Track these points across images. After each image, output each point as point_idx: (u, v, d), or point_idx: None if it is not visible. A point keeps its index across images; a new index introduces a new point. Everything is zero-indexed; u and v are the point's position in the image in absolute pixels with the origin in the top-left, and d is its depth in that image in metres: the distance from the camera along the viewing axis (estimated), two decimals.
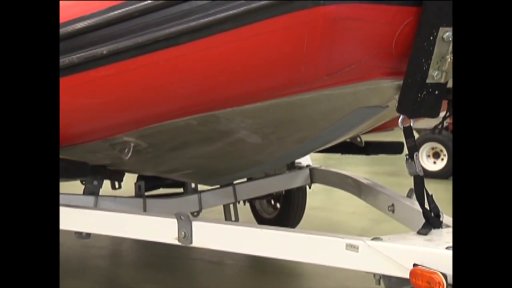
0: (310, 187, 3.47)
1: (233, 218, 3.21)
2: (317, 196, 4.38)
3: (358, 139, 2.67)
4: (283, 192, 3.56)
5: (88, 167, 2.29)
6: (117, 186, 3.06)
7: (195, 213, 3.06)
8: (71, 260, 3.38)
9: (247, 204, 3.76)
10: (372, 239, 1.71)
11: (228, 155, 2.31)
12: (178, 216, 2.00)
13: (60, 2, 1.87)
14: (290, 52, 1.63)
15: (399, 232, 1.80)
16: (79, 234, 2.37)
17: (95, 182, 2.79)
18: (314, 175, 3.27)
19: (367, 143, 2.77)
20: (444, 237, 1.76)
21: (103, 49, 1.78)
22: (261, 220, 3.89)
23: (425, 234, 1.78)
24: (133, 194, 2.99)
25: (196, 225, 1.99)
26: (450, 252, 1.56)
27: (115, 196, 2.85)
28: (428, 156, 6.01)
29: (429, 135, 5.86)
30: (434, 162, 5.96)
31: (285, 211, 3.75)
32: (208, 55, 1.68)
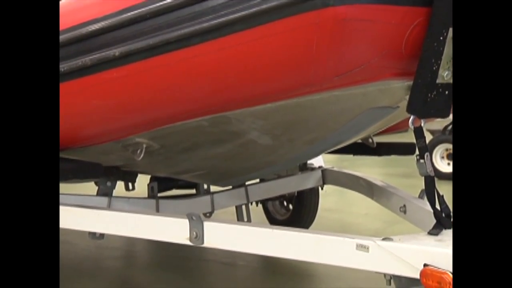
0: (322, 188, 3.47)
1: (245, 219, 3.21)
2: (329, 198, 4.37)
3: (370, 140, 2.67)
4: (296, 194, 3.56)
5: (101, 168, 2.31)
6: (130, 187, 3.08)
7: (208, 214, 3.07)
8: (84, 261, 3.41)
9: (260, 205, 3.76)
10: (383, 239, 1.71)
11: (239, 156, 2.32)
12: (190, 217, 2.01)
13: (73, 4, 1.90)
14: (299, 53, 1.63)
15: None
16: (92, 234, 2.39)
17: (109, 183, 2.81)
18: (326, 176, 3.27)
19: (378, 144, 2.76)
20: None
21: (115, 51, 1.80)
22: (274, 221, 3.89)
23: (436, 234, 1.77)
24: (146, 195, 3.00)
25: (208, 225, 2.00)
26: None
27: (129, 197, 2.87)
28: (442, 157, 5.97)
29: (442, 137, 5.82)
30: (448, 164, 5.92)
31: (297, 212, 3.75)
32: (219, 56, 1.69)
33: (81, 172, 2.30)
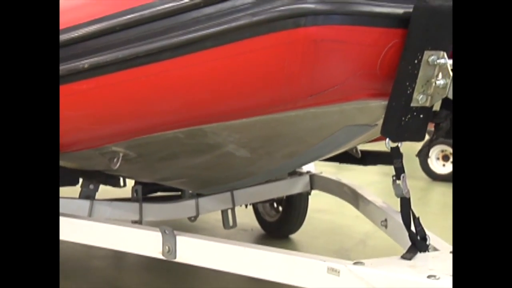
0: (310, 194, 3.42)
1: (230, 224, 3.16)
2: (321, 198, 4.31)
3: (354, 150, 2.61)
4: (285, 196, 3.50)
5: (78, 175, 2.26)
6: (122, 184, 3.02)
7: (192, 218, 3.02)
8: (69, 260, 3.36)
9: (250, 206, 3.71)
10: (354, 263, 1.66)
11: (218, 167, 2.26)
12: (162, 230, 1.96)
13: None
14: (271, 72, 1.57)
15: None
16: None
17: (91, 186, 2.76)
18: (314, 181, 3.21)
19: (364, 153, 2.70)
20: (429, 263, 1.70)
21: (85, 63, 1.74)
22: (264, 222, 3.85)
23: (409, 259, 1.72)
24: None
25: (180, 240, 1.95)
26: (431, 281, 1.52)
27: (111, 200, 2.82)
28: (438, 158, 5.92)
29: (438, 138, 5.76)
30: (444, 165, 5.87)
31: (287, 214, 3.70)
32: (189, 72, 1.64)
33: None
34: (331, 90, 1.61)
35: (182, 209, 2.93)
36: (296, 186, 3.20)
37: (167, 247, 1.95)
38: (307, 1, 1.47)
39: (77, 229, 2.20)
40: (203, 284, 3.14)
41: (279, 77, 1.57)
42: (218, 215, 3.25)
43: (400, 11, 1.54)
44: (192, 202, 2.94)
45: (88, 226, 2.18)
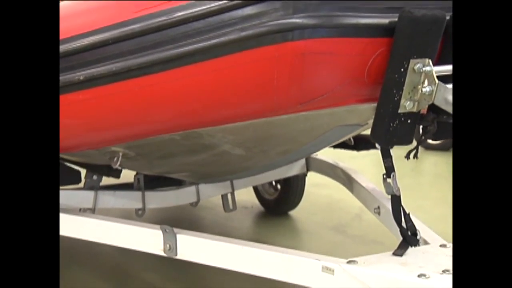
0: (306, 175, 3.42)
1: (230, 207, 3.17)
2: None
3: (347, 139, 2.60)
4: None
5: (79, 175, 2.26)
6: None
7: (194, 204, 3.04)
8: (77, 245, 3.37)
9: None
10: (348, 262, 1.67)
11: (215, 164, 2.26)
12: (163, 229, 1.97)
13: None
14: (261, 83, 1.56)
15: None
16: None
17: (95, 177, 2.76)
18: (310, 164, 3.21)
19: (356, 139, 2.69)
20: (419, 259, 1.71)
21: (80, 75, 1.73)
22: (263, 200, 3.86)
23: (401, 255, 1.73)
24: None
25: (181, 238, 1.96)
26: (420, 281, 1.54)
27: (115, 190, 2.82)
28: None
29: None
30: None
31: (285, 192, 3.72)
32: (180, 84, 1.62)
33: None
34: (320, 98, 1.59)
35: (183, 195, 2.94)
36: (293, 169, 3.20)
37: (168, 245, 1.96)
38: (294, 16, 1.45)
39: (82, 226, 2.21)
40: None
41: (269, 88, 1.55)
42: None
43: (385, 21, 1.52)
44: (192, 189, 2.95)
45: (93, 224, 2.18)
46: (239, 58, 1.51)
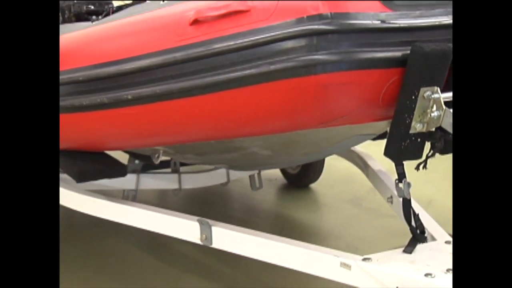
0: None
1: (257, 185, 3.32)
2: None
3: None
4: None
5: (125, 168, 2.41)
6: None
7: (224, 183, 3.19)
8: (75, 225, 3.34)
9: None
10: (363, 259, 1.81)
11: (244, 160, 2.40)
12: (200, 222, 2.13)
13: (97, 45, 1.94)
14: (287, 108, 1.68)
15: None
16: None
17: (137, 161, 2.92)
18: None
19: None
20: (426, 257, 1.83)
21: (128, 94, 1.86)
22: (287, 174, 4.01)
23: (410, 252, 1.86)
24: None
25: (215, 230, 2.11)
26: (427, 280, 1.67)
27: (154, 173, 2.99)
28: None
29: None
30: None
31: (306, 168, 3.85)
32: (217, 107, 1.75)
33: (107, 173, 2.40)
34: (339, 119, 1.71)
35: (215, 177, 3.10)
36: None
37: (204, 235, 2.11)
38: (317, 53, 1.55)
39: (127, 213, 2.37)
40: None
41: (294, 112, 1.67)
42: None
43: (398, 54, 1.62)
44: (223, 171, 3.10)
45: (138, 212, 2.33)
46: (268, 87, 1.63)
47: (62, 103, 2.07)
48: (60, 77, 2.06)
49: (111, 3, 4.25)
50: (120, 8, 4.24)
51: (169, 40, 1.77)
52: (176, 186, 3.01)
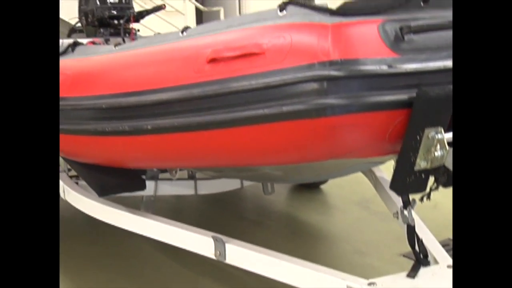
0: None
1: (269, 190, 3.35)
2: None
3: None
4: None
5: (143, 182, 2.46)
6: None
7: (238, 189, 3.24)
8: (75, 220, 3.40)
9: None
10: (369, 284, 1.84)
11: (258, 178, 2.45)
12: (214, 238, 2.18)
13: (119, 74, 1.99)
14: (297, 144, 1.72)
15: None
16: None
17: (155, 169, 2.98)
18: None
19: None
20: (428, 282, 1.86)
21: (148, 124, 1.91)
22: None
23: (413, 277, 1.89)
24: None
25: (229, 247, 2.16)
26: None
27: (172, 180, 3.04)
28: None
29: None
30: None
31: None
32: (230, 140, 1.79)
33: (126, 187, 2.46)
34: (348, 154, 1.74)
35: (230, 183, 3.14)
36: None
37: (218, 252, 2.16)
38: (327, 97, 1.58)
39: (146, 225, 2.42)
40: (238, 236, 3.35)
41: (305, 147, 1.71)
42: None
43: (405, 97, 1.64)
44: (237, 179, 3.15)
45: (155, 225, 2.39)
46: (280, 126, 1.67)
47: (86, 126, 2.13)
48: (84, 102, 2.12)
49: (132, 8, 4.27)
50: (140, 14, 4.27)
51: (187, 76, 1.81)
52: (192, 192, 3.07)
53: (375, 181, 2.82)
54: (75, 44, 2.56)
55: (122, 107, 1.97)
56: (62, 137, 2.32)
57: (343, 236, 3.30)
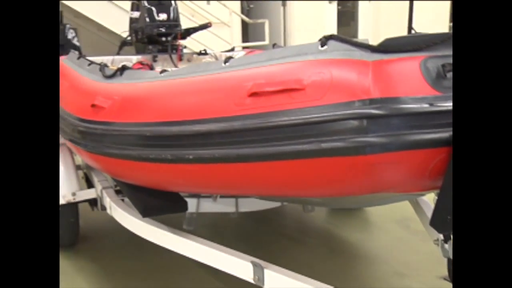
0: None
1: (309, 208, 3.30)
2: None
3: None
4: None
5: (186, 204, 2.45)
6: None
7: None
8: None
9: None
10: None
11: (298, 202, 2.42)
12: (253, 263, 2.14)
13: (163, 103, 1.98)
14: (335, 179, 1.67)
15: None
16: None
17: None
18: None
19: None
20: None
21: (189, 154, 1.89)
22: None
23: None
24: None
25: (267, 273, 2.12)
26: None
27: (214, 197, 3.02)
28: None
29: None
30: None
31: None
32: (269, 173, 1.76)
33: (169, 209, 2.45)
34: (387, 190, 1.69)
35: (269, 202, 3.10)
36: None
37: (257, 277, 2.13)
38: (366, 135, 1.53)
39: (186, 246, 2.41)
40: (281, 254, 3.32)
41: (342, 183, 1.66)
42: None
43: (446, 135, 1.57)
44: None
45: (196, 246, 2.37)
46: (318, 162, 1.63)
47: (131, 152, 2.13)
48: (130, 128, 2.12)
49: (180, 26, 4.29)
50: (187, 31, 4.28)
51: (228, 108, 1.78)
52: (233, 209, 3.04)
53: (416, 204, 2.74)
54: (123, 68, 2.56)
55: (164, 136, 1.96)
56: (109, 160, 2.34)
57: (382, 256, 3.22)
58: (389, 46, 1.58)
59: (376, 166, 1.56)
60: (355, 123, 1.54)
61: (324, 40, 1.70)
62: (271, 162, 1.70)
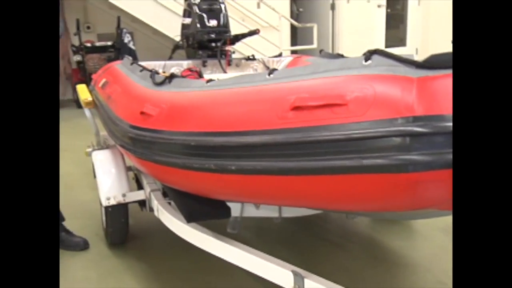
0: None
1: (352, 215, 3.23)
2: None
3: None
4: None
5: (229, 210, 2.44)
6: None
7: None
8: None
9: None
10: None
11: (342, 211, 2.35)
12: (294, 272, 2.11)
13: (207, 113, 1.96)
14: (376, 196, 1.61)
15: None
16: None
17: None
18: None
19: None
20: None
21: (232, 165, 1.87)
22: None
23: None
24: None
25: (307, 282, 2.08)
26: None
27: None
28: None
29: None
30: None
31: None
32: (310, 188, 1.71)
33: (213, 215, 2.44)
34: (430, 207, 1.62)
35: (309, 209, 3.06)
36: None
37: (297, 286, 2.10)
38: (409, 153, 1.47)
39: (229, 251, 2.40)
40: (322, 259, 3.26)
41: (383, 200, 1.60)
42: None
43: None
44: None
45: (238, 252, 2.36)
46: (360, 178, 1.57)
47: (176, 160, 2.12)
48: (176, 137, 2.12)
49: (229, 32, 4.29)
50: (236, 37, 4.27)
51: (270, 121, 1.75)
52: (276, 214, 3.00)
53: None
54: (172, 76, 2.57)
55: (209, 146, 1.94)
56: (156, 166, 2.34)
57: (425, 264, 3.12)
58: (435, 63, 1.51)
59: (418, 184, 1.50)
60: (397, 140, 1.47)
61: (368, 55, 1.64)
62: (311, 176, 1.66)
